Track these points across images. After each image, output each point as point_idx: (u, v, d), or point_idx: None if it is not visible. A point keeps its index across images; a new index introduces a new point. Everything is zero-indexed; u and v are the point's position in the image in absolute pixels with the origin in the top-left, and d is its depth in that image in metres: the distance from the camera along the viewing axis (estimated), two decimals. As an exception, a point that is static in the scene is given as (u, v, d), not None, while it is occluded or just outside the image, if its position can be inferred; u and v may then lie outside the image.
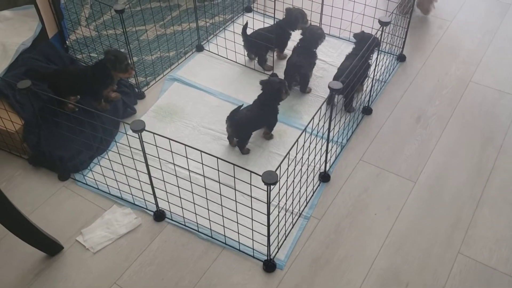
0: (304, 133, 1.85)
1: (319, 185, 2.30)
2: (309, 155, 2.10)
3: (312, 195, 2.25)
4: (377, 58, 2.49)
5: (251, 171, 1.69)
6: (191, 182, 1.97)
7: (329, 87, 1.94)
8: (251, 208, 1.84)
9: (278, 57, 2.93)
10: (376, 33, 2.33)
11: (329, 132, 2.11)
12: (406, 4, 3.19)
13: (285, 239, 2.08)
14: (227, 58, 2.98)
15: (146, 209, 2.20)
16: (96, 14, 3.19)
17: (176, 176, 2.00)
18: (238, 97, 2.73)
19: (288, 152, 1.79)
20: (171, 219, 2.16)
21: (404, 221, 2.16)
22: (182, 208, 2.09)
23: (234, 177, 1.77)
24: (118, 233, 2.12)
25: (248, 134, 2.42)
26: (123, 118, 2.61)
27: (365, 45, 2.32)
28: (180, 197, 2.04)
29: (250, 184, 1.74)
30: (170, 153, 1.90)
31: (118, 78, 2.55)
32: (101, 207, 2.23)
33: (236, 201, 1.89)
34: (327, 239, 2.10)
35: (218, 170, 1.79)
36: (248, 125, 2.39)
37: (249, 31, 2.81)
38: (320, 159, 2.27)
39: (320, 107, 1.95)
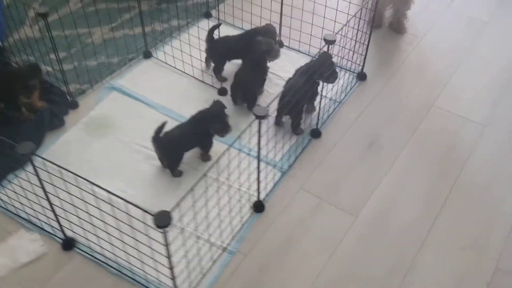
0: (227, 151, 1.64)
1: (250, 216, 2.09)
2: (239, 179, 1.90)
3: (242, 227, 2.05)
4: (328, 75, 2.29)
5: (142, 209, 1.48)
6: (100, 209, 1.76)
7: (253, 113, 1.73)
8: (151, 248, 1.63)
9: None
10: (327, 50, 2.13)
11: (259, 153, 1.89)
12: (376, 17, 2.99)
13: (202, 278, 1.87)
14: (175, 68, 2.77)
15: (55, 236, 1.99)
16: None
17: (86, 202, 1.77)
18: (182, 111, 2.51)
19: (205, 174, 1.59)
20: (81, 249, 1.96)
21: (337, 262, 1.95)
22: (88, 239, 1.90)
23: (127, 213, 1.56)
24: (20, 261, 1.91)
25: (178, 156, 2.21)
26: (49, 130, 2.40)
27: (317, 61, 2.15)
28: (85, 228, 1.84)
29: (144, 223, 1.53)
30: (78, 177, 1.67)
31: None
32: (7, 230, 2.02)
33: (135, 238, 1.68)
34: (250, 280, 1.90)
35: (112, 205, 1.59)
36: (178, 146, 2.18)
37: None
38: (257, 185, 2.06)
39: (251, 124, 1.75)
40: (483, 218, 2.12)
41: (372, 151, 2.38)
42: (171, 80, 2.72)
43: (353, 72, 2.77)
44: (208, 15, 3.15)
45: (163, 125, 2.14)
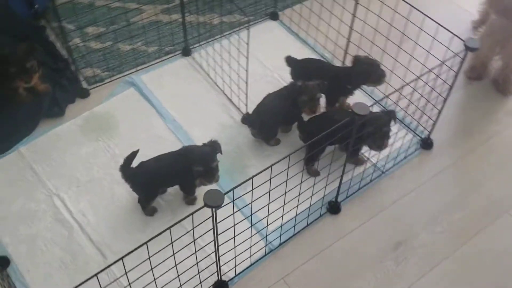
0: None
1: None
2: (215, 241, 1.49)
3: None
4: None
5: None
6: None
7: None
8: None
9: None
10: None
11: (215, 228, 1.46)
12: (478, 65, 2.30)
13: None
14: (208, 75, 2.37)
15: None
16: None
17: None
18: (190, 133, 2.14)
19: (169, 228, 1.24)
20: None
21: None
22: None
23: None
24: None
25: (150, 193, 1.85)
26: (46, 117, 2.16)
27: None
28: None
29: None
30: None
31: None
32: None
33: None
34: None
35: None
36: (152, 181, 1.81)
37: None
38: (216, 260, 1.63)
39: (253, 177, 1.35)
40: None
41: (396, 255, 1.80)
42: (198, 89, 2.32)
43: (416, 135, 2.15)
44: (274, 16, 2.67)
45: (133, 154, 1.77)
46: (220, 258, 1.57)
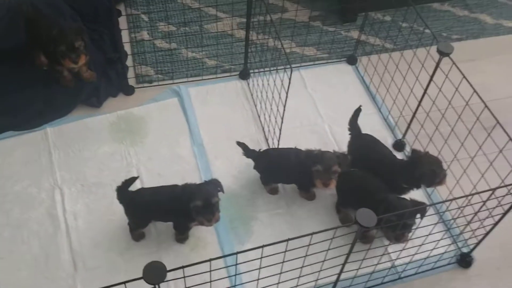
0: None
1: None
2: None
3: None
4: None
5: None
6: None
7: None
8: None
9: None
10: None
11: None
12: None
13: None
14: (255, 107, 2.20)
15: None
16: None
17: None
18: (214, 162, 2.01)
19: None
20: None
21: None
22: None
23: None
24: None
25: (141, 221, 1.74)
26: (82, 103, 2.15)
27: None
28: None
29: None
30: None
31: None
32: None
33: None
34: None
35: None
36: (144, 212, 1.70)
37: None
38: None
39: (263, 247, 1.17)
40: None
41: None
42: (239, 118, 2.17)
43: (456, 245, 1.81)
44: (352, 61, 2.42)
45: (132, 179, 1.68)
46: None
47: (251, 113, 2.19)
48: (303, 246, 1.29)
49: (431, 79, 1.83)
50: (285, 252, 1.27)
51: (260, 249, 1.21)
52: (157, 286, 1.10)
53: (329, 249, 1.36)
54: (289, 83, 1.69)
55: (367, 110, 2.19)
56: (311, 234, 1.25)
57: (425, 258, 1.71)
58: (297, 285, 1.49)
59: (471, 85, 1.63)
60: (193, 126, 2.12)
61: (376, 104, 2.25)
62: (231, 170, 1.98)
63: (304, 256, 1.34)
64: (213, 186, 1.63)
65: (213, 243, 1.79)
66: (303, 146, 1.83)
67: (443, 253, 1.74)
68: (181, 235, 1.76)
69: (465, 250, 1.80)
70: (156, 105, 2.19)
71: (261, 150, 1.89)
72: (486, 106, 1.58)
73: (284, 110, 1.80)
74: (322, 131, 2.14)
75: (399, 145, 2.09)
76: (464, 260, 1.78)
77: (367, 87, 2.32)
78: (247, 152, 1.88)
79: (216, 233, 1.80)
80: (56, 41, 1.95)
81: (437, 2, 2.74)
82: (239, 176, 1.97)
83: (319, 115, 2.20)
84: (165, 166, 1.98)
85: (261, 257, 1.26)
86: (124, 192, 1.67)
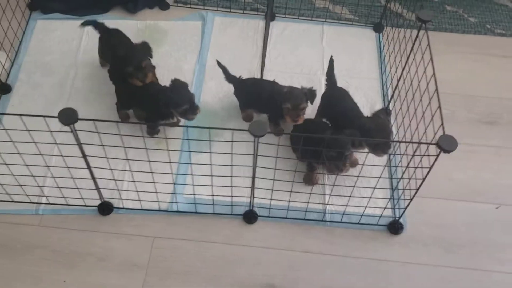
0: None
1: None
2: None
3: None
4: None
5: None
6: None
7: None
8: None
9: None
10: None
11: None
12: None
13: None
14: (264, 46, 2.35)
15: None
16: None
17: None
18: (208, 81, 2.22)
19: None
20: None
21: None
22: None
23: None
24: None
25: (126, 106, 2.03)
26: (119, 5, 2.46)
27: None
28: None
29: None
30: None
31: None
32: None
33: None
34: None
35: None
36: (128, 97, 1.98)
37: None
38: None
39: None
40: None
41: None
42: (248, 52, 2.33)
43: (392, 207, 1.85)
44: (378, 29, 2.45)
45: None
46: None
47: (260, 51, 2.34)
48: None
49: (411, 51, 1.84)
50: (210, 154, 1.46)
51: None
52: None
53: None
54: (266, 30, 1.82)
55: (370, 74, 2.26)
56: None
57: (360, 215, 1.80)
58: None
59: (433, 68, 1.64)
60: (204, 48, 2.33)
61: (381, 72, 2.28)
62: (219, 92, 2.17)
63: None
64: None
65: (175, 143, 2.00)
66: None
67: (375, 213, 1.81)
68: (152, 129, 2.01)
69: (397, 213, 1.84)
70: (181, 24, 2.43)
71: (241, 78, 2.05)
72: (436, 89, 1.59)
73: (264, 55, 1.95)
74: (318, 83, 2.22)
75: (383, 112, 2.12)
76: (394, 226, 1.82)
77: (380, 55, 2.34)
78: (228, 76, 2.05)
79: (181, 140, 2.02)
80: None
81: (497, -7, 2.62)
82: (224, 99, 2.15)
83: (321, 68, 2.29)
84: (165, 74, 2.21)
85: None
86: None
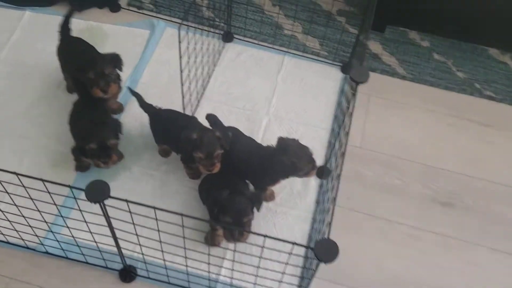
0: None
1: None
2: None
3: None
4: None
5: None
6: None
7: None
8: None
9: None
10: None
11: None
12: None
13: None
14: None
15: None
16: None
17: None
18: (134, 101, 1.94)
19: None
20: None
21: None
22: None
23: None
24: None
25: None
26: (64, 1, 2.20)
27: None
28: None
29: None
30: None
31: None
32: None
33: None
34: None
35: None
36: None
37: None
38: None
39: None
40: None
41: None
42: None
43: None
44: (346, 70, 2.13)
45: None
46: None
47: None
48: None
49: (347, 108, 1.52)
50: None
51: None
52: None
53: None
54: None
55: (322, 123, 1.95)
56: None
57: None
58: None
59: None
60: (143, 61, 2.07)
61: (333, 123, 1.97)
62: (143, 116, 1.90)
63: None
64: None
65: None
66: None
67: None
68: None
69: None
70: (126, 30, 2.18)
71: (158, 108, 1.77)
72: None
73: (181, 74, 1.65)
74: (258, 124, 1.93)
75: (319, 170, 1.81)
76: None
77: (340, 102, 2.03)
78: (142, 104, 1.78)
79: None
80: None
81: (497, 48, 2.24)
82: (146, 124, 1.88)
83: (267, 106, 1.99)
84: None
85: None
86: None
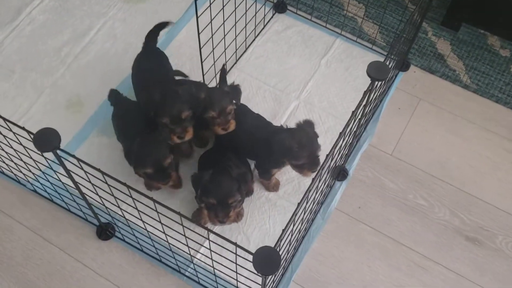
0: None
1: None
2: None
3: None
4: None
5: None
6: None
7: None
8: None
9: None
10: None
11: None
12: None
13: None
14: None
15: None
16: None
17: None
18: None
19: None
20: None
21: None
22: None
23: None
24: None
25: None
26: None
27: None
28: None
29: None
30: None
31: None
32: None
33: None
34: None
35: None
36: None
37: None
38: None
39: None
40: None
41: None
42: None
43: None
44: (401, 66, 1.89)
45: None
46: None
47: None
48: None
49: (359, 104, 1.31)
50: None
51: None
52: None
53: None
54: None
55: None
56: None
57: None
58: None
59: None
60: (183, 19, 1.97)
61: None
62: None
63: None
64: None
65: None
66: (257, 106, 1.65)
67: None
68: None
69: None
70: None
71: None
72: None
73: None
74: (285, 106, 1.78)
75: (337, 172, 1.63)
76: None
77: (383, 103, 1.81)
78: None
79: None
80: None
81: None
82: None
83: (301, 89, 1.82)
84: (133, 37, 1.91)
85: None
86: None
